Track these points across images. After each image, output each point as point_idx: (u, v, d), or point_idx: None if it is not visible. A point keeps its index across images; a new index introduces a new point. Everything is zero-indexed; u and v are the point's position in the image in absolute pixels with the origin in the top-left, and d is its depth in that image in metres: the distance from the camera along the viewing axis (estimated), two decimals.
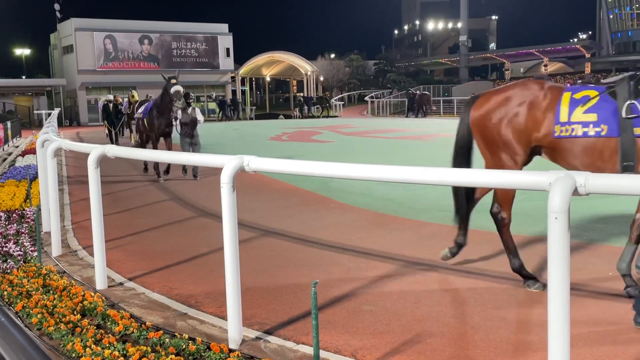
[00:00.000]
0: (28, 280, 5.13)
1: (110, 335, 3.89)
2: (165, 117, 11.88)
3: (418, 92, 44.38)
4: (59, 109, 39.99)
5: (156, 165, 11.92)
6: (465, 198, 5.36)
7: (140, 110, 12.94)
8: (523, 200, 8.51)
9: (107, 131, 24.26)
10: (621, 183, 2.45)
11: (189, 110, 12.04)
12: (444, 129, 26.72)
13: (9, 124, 23.28)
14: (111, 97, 23.63)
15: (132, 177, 13.00)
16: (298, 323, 4.20)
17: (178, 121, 11.95)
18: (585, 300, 4.42)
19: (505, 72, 68.75)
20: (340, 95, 55.67)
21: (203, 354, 3.62)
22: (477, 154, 5.32)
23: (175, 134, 12.25)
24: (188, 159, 6.53)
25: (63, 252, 6.48)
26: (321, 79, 59.53)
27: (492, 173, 2.87)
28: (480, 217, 7.63)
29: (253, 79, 59.58)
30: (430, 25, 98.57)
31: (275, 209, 8.66)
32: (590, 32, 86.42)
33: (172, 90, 11.44)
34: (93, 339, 3.77)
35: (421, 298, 4.64)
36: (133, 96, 21.43)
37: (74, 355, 3.64)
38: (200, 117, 12.26)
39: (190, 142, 11.99)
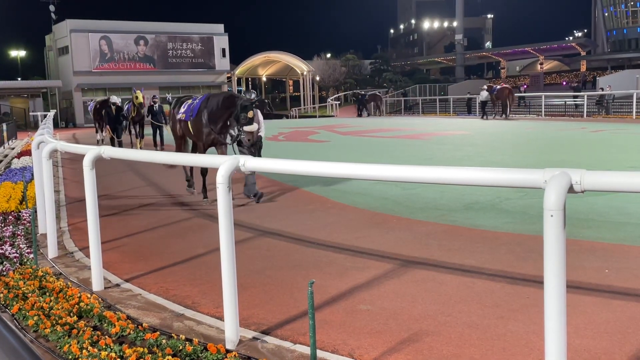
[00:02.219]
0: (24, 283, 5.12)
1: (106, 336, 3.88)
2: (219, 128, 9.07)
3: (367, 92, 46.79)
4: (55, 110, 40.00)
5: (203, 183, 9.59)
6: None
7: (182, 110, 9.92)
8: (520, 198, 8.52)
9: (99, 136, 21.92)
10: (617, 180, 2.44)
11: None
12: (440, 127, 26.75)
13: (4, 126, 23.24)
14: (116, 99, 20.14)
15: (128, 177, 12.97)
16: (295, 323, 4.19)
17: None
18: (582, 298, 4.43)
19: (501, 70, 68.91)
20: (336, 95, 55.71)
21: (200, 354, 3.61)
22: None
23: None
24: (184, 159, 6.51)
25: (59, 253, 6.46)
26: (317, 78, 59.52)
27: (488, 171, 2.87)
28: (477, 215, 7.65)
29: (249, 79, 59.62)
30: (426, 24, 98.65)
31: (271, 209, 8.65)
32: (585, 30, 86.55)
33: (245, 128, 8.67)
34: (89, 341, 3.76)
35: (418, 297, 4.64)
36: (137, 97, 19.09)
37: (70, 357, 3.63)
38: (262, 122, 9.37)
39: (250, 152, 9.04)
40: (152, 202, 9.86)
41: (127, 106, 20.18)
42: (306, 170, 3.75)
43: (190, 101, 9.68)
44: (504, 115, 32.42)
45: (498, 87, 33.46)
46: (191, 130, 9.40)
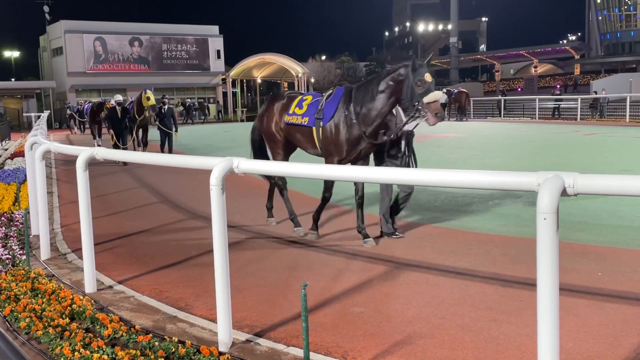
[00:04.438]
0: (16, 284, 5.10)
1: (99, 339, 3.86)
2: (373, 129, 6.30)
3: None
4: (49, 111, 39.84)
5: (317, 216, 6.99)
6: None
7: (298, 112, 6.77)
8: (514, 201, 8.54)
9: (98, 143, 19.62)
10: (610, 183, 2.45)
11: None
12: (434, 130, 26.77)
13: None
14: (120, 97, 17.49)
15: (122, 179, 12.94)
16: (288, 325, 4.19)
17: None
18: (575, 301, 4.44)
19: (495, 73, 69.05)
20: None
21: (193, 357, 3.60)
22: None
23: None
24: (177, 161, 6.48)
25: (52, 255, 6.43)
26: (312, 80, 59.57)
27: (482, 174, 2.87)
28: (471, 218, 7.66)
29: (244, 80, 59.47)
30: (421, 27, 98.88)
31: (265, 211, 8.63)
32: (579, 34, 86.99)
33: (427, 99, 5.76)
34: (82, 343, 3.74)
35: (411, 299, 4.64)
36: (149, 98, 16.09)
37: (62, 359, 3.61)
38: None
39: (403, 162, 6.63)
40: (145, 204, 9.83)
41: (129, 107, 17.56)
42: (299, 172, 3.74)
43: (307, 98, 6.84)
44: (460, 117, 34.67)
45: (455, 91, 35.62)
46: (321, 140, 6.54)
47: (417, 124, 6.26)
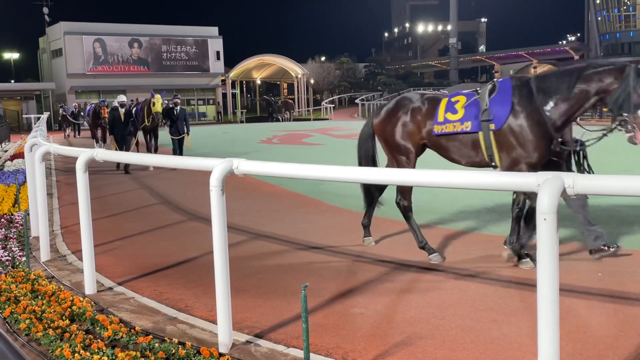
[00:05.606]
0: (16, 286, 5.09)
1: (99, 340, 3.86)
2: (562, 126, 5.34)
3: (279, 99, 52.17)
4: (48, 113, 39.83)
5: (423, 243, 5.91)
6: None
7: (450, 117, 5.55)
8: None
9: (99, 147, 17.13)
10: (609, 184, 2.45)
11: None
12: None
13: None
14: (123, 98, 15.95)
15: (122, 181, 12.94)
16: (288, 326, 4.19)
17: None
18: (575, 302, 4.44)
19: (494, 74, 69.10)
20: (330, 98, 55.80)
21: (193, 358, 3.60)
22: None
23: None
24: (177, 162, 6.48)
25: (52, 256, 6.43)
26: (312, 81, 59.57)
27: (482, 174, 2.88)
28: (471, 218, 7.66)
29: (244, 82, 59.53)
30: (420, 28, 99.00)
31: (265, 212, 8.64)
32: (578, 34, 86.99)
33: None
34: (82, 345, 3.74)
35: (411, 300, 4.64)
36: (154, 104, 14.78)
37: None
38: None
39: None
40: (145, 205, 9.83)
41: (134, 109, 15.74)
42: (299, 174, 3.74)
43: (460, 99, 5.62)
44: None
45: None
46: (497, 146, 5.34)
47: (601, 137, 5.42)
